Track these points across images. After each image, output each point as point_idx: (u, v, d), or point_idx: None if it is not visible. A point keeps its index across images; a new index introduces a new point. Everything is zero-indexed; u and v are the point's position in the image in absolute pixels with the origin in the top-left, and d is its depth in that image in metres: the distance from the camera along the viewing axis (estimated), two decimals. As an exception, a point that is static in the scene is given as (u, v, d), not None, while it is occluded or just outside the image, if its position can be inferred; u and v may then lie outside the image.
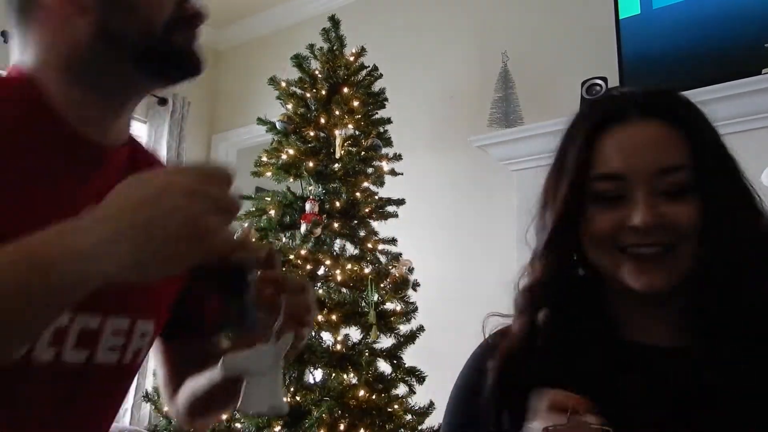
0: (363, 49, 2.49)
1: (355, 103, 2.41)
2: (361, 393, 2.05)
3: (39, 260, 0.46)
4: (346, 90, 2.41)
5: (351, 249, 2.34)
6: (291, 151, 2.34)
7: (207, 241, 0.50)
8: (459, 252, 2.90)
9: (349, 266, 2.24)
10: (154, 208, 0.48)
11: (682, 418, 0.65)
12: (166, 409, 2.19)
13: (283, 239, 2.31)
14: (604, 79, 2.40)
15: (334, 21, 2.51)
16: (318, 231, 2.23)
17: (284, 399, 0.67)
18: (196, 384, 0.83)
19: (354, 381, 2.10)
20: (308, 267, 2.21)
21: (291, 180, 2.36)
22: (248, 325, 0.64)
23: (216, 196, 0.51)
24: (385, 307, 2.22)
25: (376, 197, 2.39)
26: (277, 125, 2.41)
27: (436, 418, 2.19)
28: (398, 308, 2.23)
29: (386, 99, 2.53)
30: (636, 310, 0.74)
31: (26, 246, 0.47)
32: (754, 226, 0.70)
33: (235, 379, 0.71)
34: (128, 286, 0.63)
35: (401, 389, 2.19)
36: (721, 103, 2.03)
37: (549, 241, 0.73)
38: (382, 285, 2.22)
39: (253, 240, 0.55)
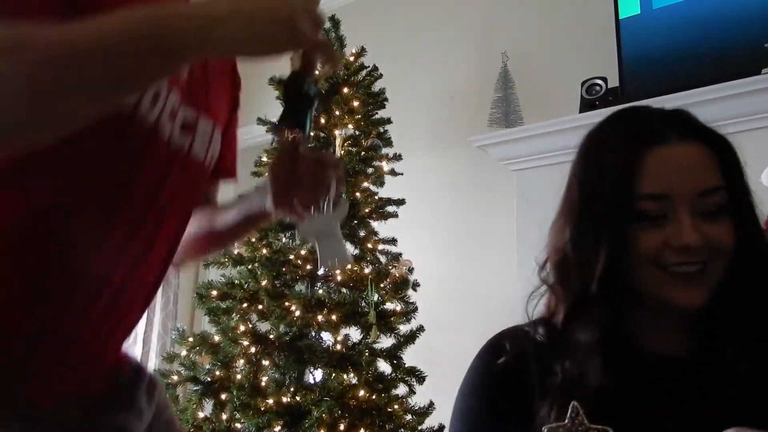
0: (363, 49, 2.49)
1: (355, 103, 2.41)
2: (361, 393, 2.05)
3: (160, 18, 0.56)
4: (346, 90, 2.41)
5: (351, 249, 2.34)
6: (291, 151, 2.33)
7: (299, 33, 0.60)
8: (459, 252, 2.90)
9: (349, 266, 2.24)
10: (247, 10, 0.58)
11: (692, 428, 0.66)
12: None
13: (283, 239, 2.31)
14: (604, 79, 2.41)
15: (334, 21, 2.51)
16: (318, 231, 2.23)
17: (348, 252, 0.85)
18: (195, 224, 0.91)
19: (354, 381, 2.10)
20: (308, 267, 2.21)
21: (291, 180, 2.36)
22: (306, 132, 0.74)
23: (309, 4, 0.62)
24: (385, 307, 2.21)
25: (376, 197, 2.39)
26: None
27: (436, 418, 2.19)
28: (398, 308, 2.23)
29: (386, 99, 2.52)
30: (650, 321, 0.76)
31: (147, 9, 0.56)
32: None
33: (229, 229, 0.91)
34: (213, 93, 0.83)
35: (401, 389, 2.19)
36: (721, 103, 2.03)
37: (606, 268, 0.72)
38: (382, 285, 2.22)
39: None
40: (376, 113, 2.50)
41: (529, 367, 0.75)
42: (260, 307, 2.14)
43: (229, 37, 0.57)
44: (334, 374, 2.10)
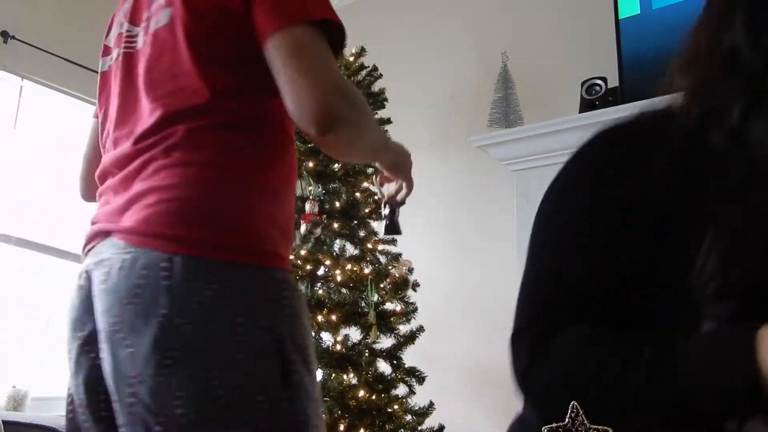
0: (363, 49, 2.49)
1: (355, 103, 2.41)
2: (361, 393, 2.05)
3: (386, 139, 1.13)
4: (346, 90, 2.41)
5: (351, 249, 2.33)
6: (291, 151, 2.34)
7: (410, 172, 1.19)
8: (459, 252, 2.90)
9: (349, 266, 2.24)
10: (405, 156, 1.17)
11: None
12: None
13: (283, 239, 2.31)
14: (604, 79, 2.41)
15: (334, 21, 2.51)
16: (318, 231, 2.23)
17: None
18: None
19: (354, 381, 2.10)
20: (308, 267, 2.21)
21: (291, 180, 2.36)
22: (396, 232, 1.34)
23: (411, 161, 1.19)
24: (385, 307, 2.22)
25: (376, 197, 2.39)
26: (277, 125, 2.41)
27: (436, 418, 2.19)
28: (398, 308, 2.23)
29: (386, 99, 2.52)
30: None
31: (384, 134, 1.22)
32: None
33: None
34: None
35: (401, 389, 2.19)
36: (721, 103, 2.02)
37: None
38: (382, 285, 2.22)
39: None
40: (376, 113, 2.50)
41: (681, 163, 0.66)
42: (260, 307, 2.14)
43: (389, 158, 1.13)
44: (334, 374, 2.10)
